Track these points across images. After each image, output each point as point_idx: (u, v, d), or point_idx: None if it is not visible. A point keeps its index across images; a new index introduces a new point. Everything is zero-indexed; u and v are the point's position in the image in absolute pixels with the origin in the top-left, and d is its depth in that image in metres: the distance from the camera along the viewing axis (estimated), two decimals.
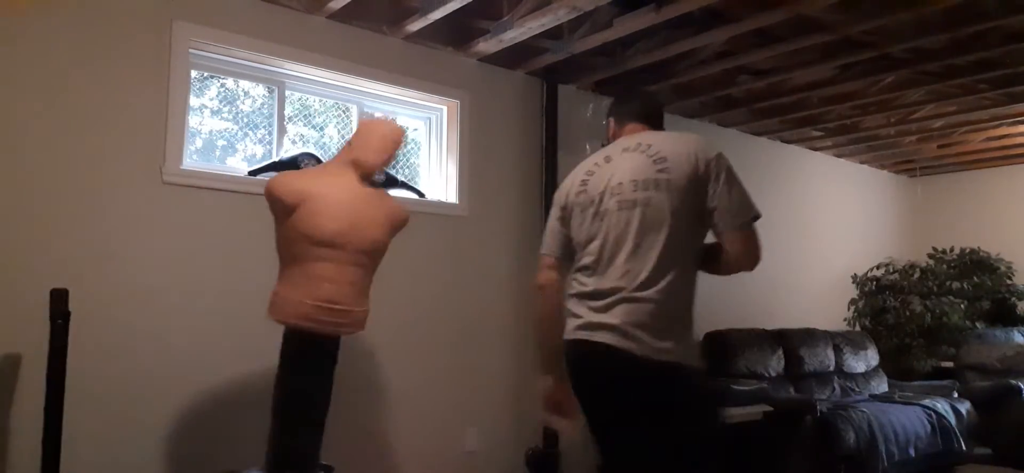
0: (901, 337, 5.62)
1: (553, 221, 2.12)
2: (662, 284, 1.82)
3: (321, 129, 3.77)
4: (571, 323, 1.97)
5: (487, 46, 3.78)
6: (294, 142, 3.62)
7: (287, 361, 2.54)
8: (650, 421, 1.81)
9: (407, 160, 4.05)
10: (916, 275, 5.93)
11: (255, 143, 3.52)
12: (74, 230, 2.81)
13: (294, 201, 2.45)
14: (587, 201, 1.99)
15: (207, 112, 3.41)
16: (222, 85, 3.46)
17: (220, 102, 3.47)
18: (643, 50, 3.85)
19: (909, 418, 4.28)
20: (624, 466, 1.89)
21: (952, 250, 6.28)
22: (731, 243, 1.86)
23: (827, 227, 6.09)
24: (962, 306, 5.71)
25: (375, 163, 2.60)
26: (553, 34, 3.65)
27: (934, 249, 6.34)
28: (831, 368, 5.09)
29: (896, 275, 5.91)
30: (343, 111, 3.80)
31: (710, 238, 1.93)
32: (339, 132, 3.78)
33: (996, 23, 3.49)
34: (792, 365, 4.86)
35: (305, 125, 3.70)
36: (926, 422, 4.34)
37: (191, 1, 3.12)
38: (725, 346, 4.59)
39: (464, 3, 3.23)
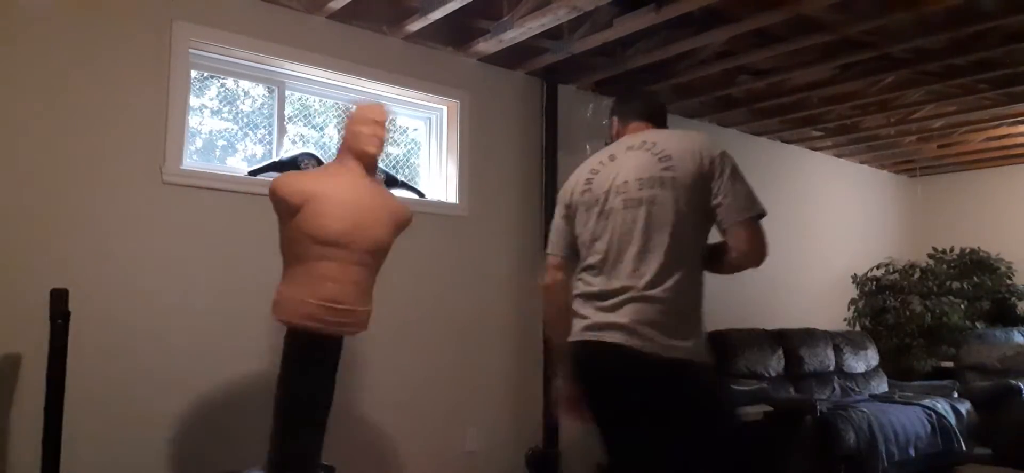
0: (901, 337, 5.62)
1: (558, 220, 2.11)
2: (670, 282, 1.82)
3: (321, 129, 3.76)
4: (578, 324, 1.96)
5: (487, 46, 3.78)
6: (294, 142, 3.62)
7: (290, 361, 2.54)
8: (662, 419, 1.81)
9: (407, 160, 4.05)
10: (916, 275, 5.93)
11: (255, 143, 3.52)
12: (74, 230, 2.81)
13: (298, 201, 2.45)
14: (592, 200, 1.98)
15: (207, 112, 3.41)
16: (222, 85, 3.46)
17: (220, 102, 3.47)
18: (643, 50, 3.85)
19: (909, 418, 4.28)
20: (634, 466, 1.87)
21: (952, 250, 6.28)
22: (736, 239, 1.85)
23: (827, 227, 6.09)
24: (962, 306, 5.71)
25: (374, 151, 2.59)
26: (553, 34, 3.65)
27: (934, 249, 6.34)
28: (831, 368, 5.09)
29: (896, 275, 5.91)
30: (343, 111, 3.78)
31: (714, 238, 1.93)
32: (339, 132, 3.76)
33: (996, 23, 3.49)
34: (792, 365, 4.86)
35: (305, 125, 3.70)
36: (926, 422, 4.34)
37: (191, 1, 3.12)
38: (725, 346, 4.59)
39: (464, 3, 3.23)
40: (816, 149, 6.06)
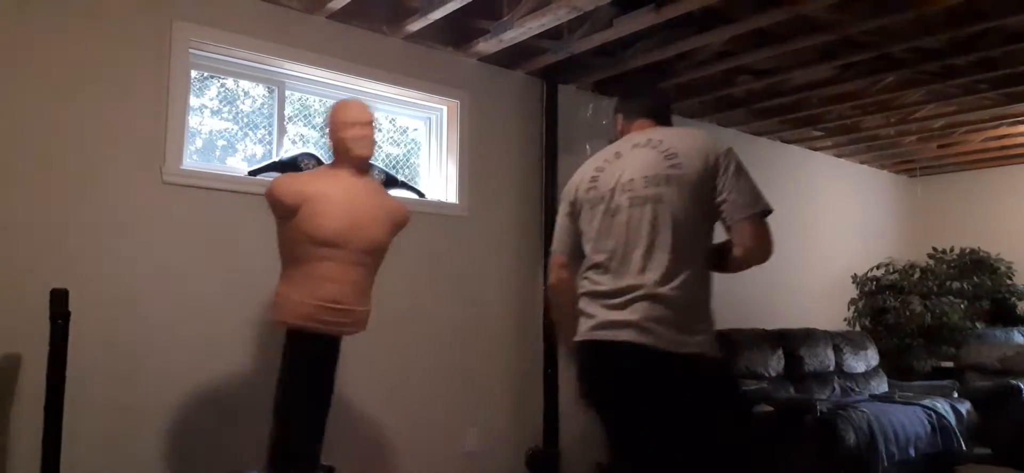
0: (901, 337, 5.61)
1: (562, 217, 2.10)
2: (679, 280, 1.81)
3: (321, 129, 3.76)
4: (585, 323, 1.94)
5: (487, 46, 3.78)
6: (294, 142, 3.62)
7: (289, 361, 2.54)
8: (673, 414, 1.80)
9: (407, 160, 4.05)
10: (916, 275, 5.93)
11: (255, 143, 3.52)
12: (74, 230, 2.81)
13: (295, 202, 2.46)
14: (597, 197, 1.97)
15: (207, 112, 3.41)
16: (222, 85, 3.46)
17: (220, 102, 3.47)
18: (643, 50, 3.85)
19: (909, 418, 4.28)
20: (642, 464, 1.86)
21: (952, 250, 6.28)
22: (740, 235, 1.84)
23: (827, 227, 6.09)
24: (962, 306, 5.71)
25: (367, 154, 2.59)
26: (553, 34, 3.65)
27: (934, 249, 6.34)
28: (831, 368, 5.09)
29: (896, 275, 5.90)
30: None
31: (718, 237, 1.92)
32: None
33: (996, 23, 3.49)
34: (792, 365, 4.85)
35: (305, 125, 3.70)
36: (926, 422, 4.34)
37: (191, 1, 3.12)
38: (725, 346, 4.58)
39: (464, 3, 3.23)
40: (816, 149, 6.06)
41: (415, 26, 3.54)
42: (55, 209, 2.78)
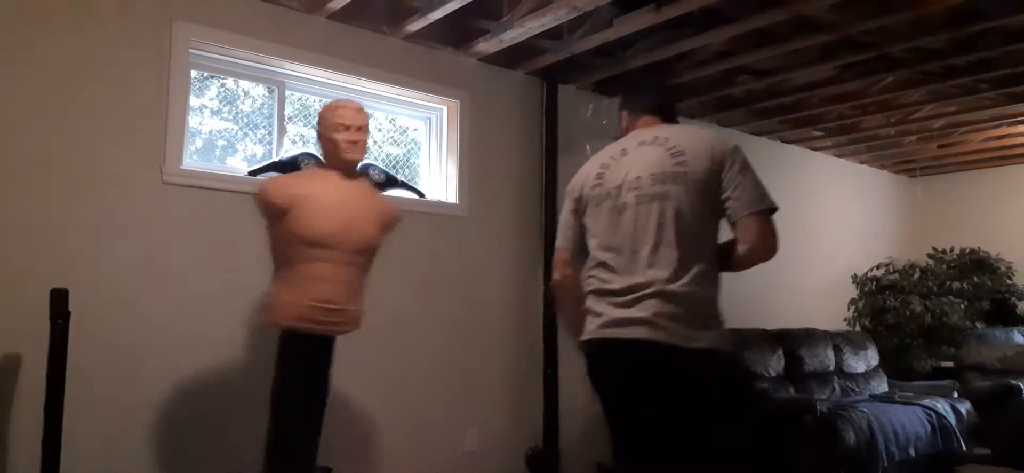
0: (901, 337, 5.61)
1: (567, 214, 2.10)
2: (688, 277, 1.81)
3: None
4: (593, 322, 1.93)
5: (487, 46, 3.78)
6: (294, 142, 3.62)
7: (283, 362, 2.54)
8: (687, 409, 1.79)
9: (407, 160, 4.05)
10: (916, 275, 5.92)
11: (255, 143, 3.52)
12: (74, 230, 2.81)
13: (286, 204, 2.46)
14: (603, 195, 1.96)
15: (207, 112, 3.41)
16: (222, 85, 3.46)
17: (220, 102, 3.47)
18: (643, 50, 3.85)
19: (909, 418, 4.28)
20: (655, 462, 1.85)
21: (952, 250, 6.28)
22: (745, 231, 1.83)
23: (827, 227, 6.09)
24: (962, 306, 5.71)
25: (356, 158, 2.60)
26: (553, 34, 3.65)
27: (934, 249, 6.34)
28: (831, 368, 5.09)
29: (896, 275, 5.90)
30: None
31: (723, 237, 1.91)
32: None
33: (996, 23, 3.49)
34: (792, 365, 4.85)
35: (305, 125, 3.70)
36: (926, 422, 4.34)
37: (191, 1, 3.12)
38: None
39: (464, 3, 3.23)
40: (816, 149, 6.06)
41: (415, 26, 3.54)
42: (55, 209, 2.78)
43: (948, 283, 5.87)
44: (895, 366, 5.53)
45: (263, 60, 3.37)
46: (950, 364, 5.57)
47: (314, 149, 3.57)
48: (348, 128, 2.56)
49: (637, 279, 1.84)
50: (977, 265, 6.10)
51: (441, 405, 3.77)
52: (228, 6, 3.22)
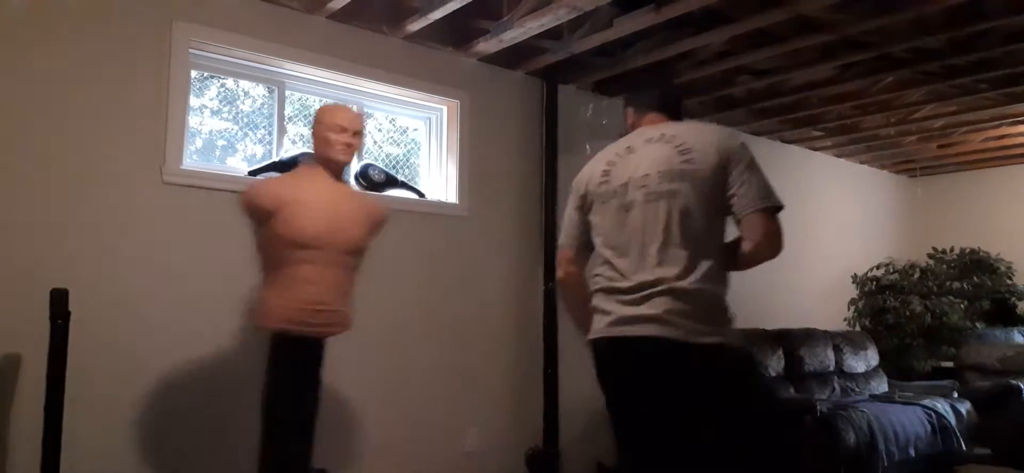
0: (901, 337, 5.61)
1: (571, 210, 2.08)
2: (697, 274, 1.80)
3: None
4: (601, 320, 1.92)
5: (487, 46, 3.78)
6: (294, 142, 3.62)
7: (274, 365, 2.54)
8: (700, 405, 1.78)
9: (407, 160, 4.05)
10: (916, 275, 5.93)
11: (255, 143, 3.52)
12: (74, 230, 2.81)
13: (272, 206, 2.47)
14: (609, 192, 1.95)
15: (207, 112, 3.41)
16: (222, 85, 3.46)
17: (220, 102, 3.47)
18: (643, 50, 3.85)
19: (909, 418, 4.28)
20: (666, 460, 1.83)
21: (952, 250, 6.28)
22: (750, 229, 1.83)
23: (827, 227, 6.09)
24: (962, 306, 5.71)
25: (345, 160, 2.60)
26: (553, 34, 3.65)
27: (934, 249, 6.34)
28: (831, 368, 5.09)
29: (896, 275, 5.90)
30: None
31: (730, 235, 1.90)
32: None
33: (996, 23, 3.49)
34: (792, 365, 4.85)
35: (305, 125, 3.70)
36: (926, 422, 4.34)
37: (191, 1, 3.12)
38: None
39: (464, 3, 3.23)
40: (816, 149, 6.06)
41: (415, 26, 3.54)
42: (55, 209, 2.78)
43: (948, 283, 5.87)
44: (895, 366, 5.53)
45: (263, 60, 3.36)
46: (950, 364, 5.57)
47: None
48: (345, 131, 2.56)
49: (646, 277, 1.83)
50: (977, 265, 6.10)
51: (441, 405, 3.77)
52: (228, 6, 3.22)
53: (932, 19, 3.50)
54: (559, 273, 2.12)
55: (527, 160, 4.23)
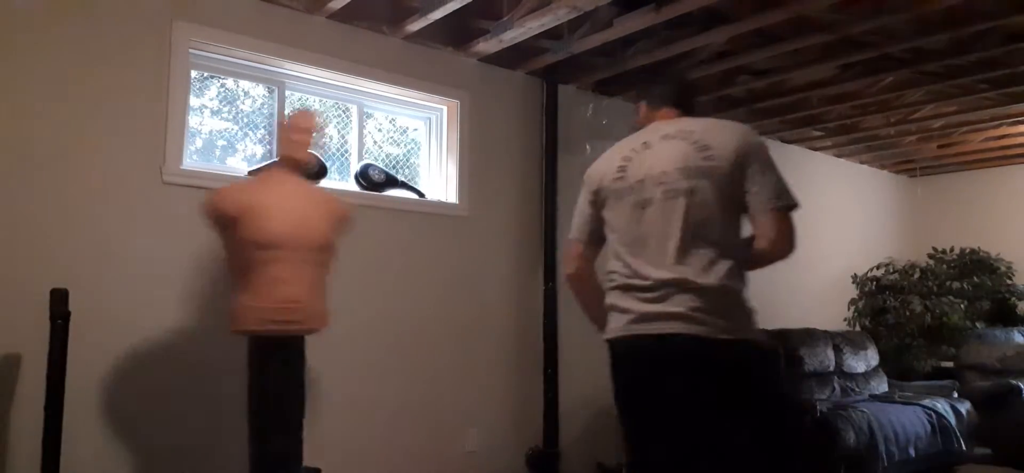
0: (901, 337, 5.61)
1: (583, 204, 2.06)
2: (717, 271, 1.79)
3: (321, 129, 3.76)
4: (619, 318, 1.90)
5: (487, 46, 3.78)
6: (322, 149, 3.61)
7: (256, 369, 2.54)
8: (725, 402, 1.76)
9: (407, 160, 4.05)
10: (916, 275, 5.93)
11: (255, 143, 3.52)
12: (74, 230, 2.81)
13: (236, 212, 2.48)
14: (625, 188, 1.93)
15: (207, 112, 3.41)
16: (222, 85, 3.46)
17: (220, 102, 3.47)
18: (643, 50, 3.85)
19: (909, 418, 4.28)
20: (690, 457, 1.81)
21: (952, 250, 6.28)
22: (762, 227, 1.82)
23: (827, 227, 6.09)
24: (962, 306, 5.71)
25: (302, 158, 2.65)
26: (553, 34, 3.65)
27: (934, 249, 6.34)
28: (831, 368, 5.08)
29: (896, 275, 5.90)
30: (343, 111, 3.80)
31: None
32: (339, 132, 3.78)
33: (996, 23, 3.49)
34: (792, 365, 4.85)
35: None
36: (926, 422, 4.34)
37: (191, 1, 3.12)
38: None
39: (464, 3, 3.23)
40: (816, 149, 6.06)
41: (415, 26, 3.54)
42: (55, 209, 2.78)
43: (948, 283, 5.88)
44: (895, 366, 5.53)
45: (263, 60, 3.36)
46: (950, 364, 5.57)
47: (314, 149, 3.57)
48: (307, 131, 2.65)
49: (667, 274, 1.81)
50: (977, 265, 6.10)
51: (441, 405, 3.77)
52: (228, 6, 3.22)
53: (932, 19, 3.50)
54: (569, 269, 2.10)
55: (527, 160, 4.23)
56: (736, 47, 3.86)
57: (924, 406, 4.47)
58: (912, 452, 4.16)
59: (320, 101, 3.73)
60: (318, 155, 3.48)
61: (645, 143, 1.97)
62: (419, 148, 4.08)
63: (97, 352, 2.80)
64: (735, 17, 3.43)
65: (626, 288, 1.90)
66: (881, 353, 5.47)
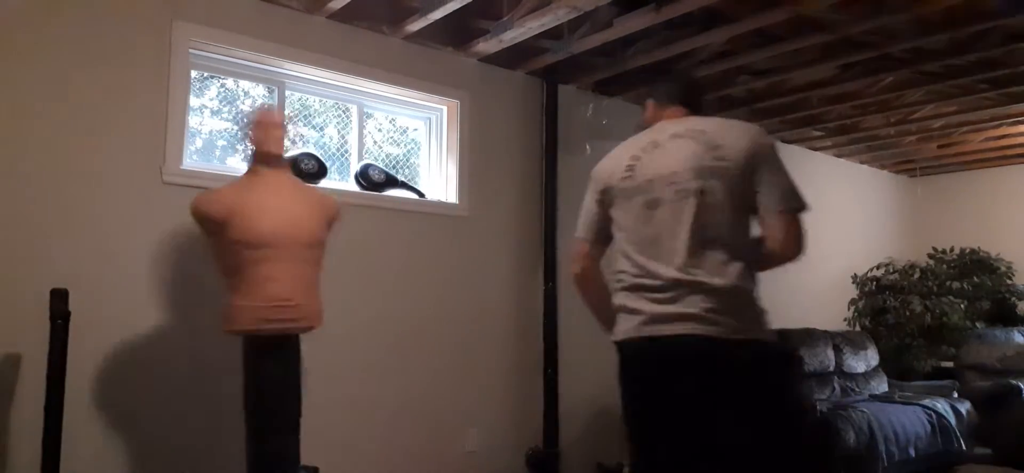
0: (901, 337, 5.61)
1: (590, 203, 2.04)
2: (729, 272, 1.78)
3: (321, 129, 3.76)
4: (630, 320, 1.88)
5: (487, 46, 3.78)
6: (294, 142, 3.62)
7: (251, 369, 2.54)
8: (740, 403, 1.75)
9: (407, 160, 4.05)
10: (916, 275, 5.93)
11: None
12: (74, 230, 2.81)
13: (222, 215, 2.48)
14: (635, 188, 1.91)
15: (207, 112, 3.41)
16: (222, 85, 3.46)
17: (220, 102, 3.47)
18: (643, 50, 3.85)
19: (909, 418, 4.28)
20: (704, 459, 1.79)
21: (952, 250, 6.28)
22: (772, 229, 1.81)
23: (827, 227, 6.09)
24: (962, 306, 5.71)
25: (277, 151, 2.63)
26: (553, 34, 3.65)
27: (934, 249, 6.34)
28: (831, 368, 5.09)
29: (896, 275, 5.90)
30: (343, 111, 3.80)
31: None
32: (339, 132, 3.78)
33: (996, 23, 3.49)
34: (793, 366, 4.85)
35: (305, 125, 3.70)
36: (926, 422, 4.34)
37: (191, 1, 3.12)
38: None
39: (464, 3, 3.23)
40: (816, 149, 6.06)
41: (415, 26, 3.54)
42: (55, 209, 2.78)
43: (948, 283, 5.88)
44: (895, 366, 5.53)
45: (263, 60, 3.36)
46: (950, 364, 5.57)
47: (314, 149, 3.58)
48: (276, 126, 2.63)
49: (679, 275, 1.80)
50: (977, 265, 6.10)
51: (441, 405, 3.77)
52: (228, 6, 3.22)
53: (932, 19, 3.50)
54: (575, 268, 2.07)
55: (527, 160, 4.23)
56: (736, 47, 3.86)
57: (924, 406, 4.47)
58: (912, 452, 4.16)
59: (320, 101, 3.73)
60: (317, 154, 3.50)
61: (654, 142, 1.95)
62: (419, 148, 4.08)
63: (97, 352, 2.80)
64: (735, 17, 3.43)
65: (636, 288, 1.88)
66: (881, 353, 5.48)
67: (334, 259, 3.12)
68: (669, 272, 1.81)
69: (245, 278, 2.48)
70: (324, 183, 3.44)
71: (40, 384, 2.45)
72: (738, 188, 1.81)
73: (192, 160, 3.24)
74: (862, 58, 3.95)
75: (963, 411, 4.67)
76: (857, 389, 5.09)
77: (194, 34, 3.12)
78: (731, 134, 1.86)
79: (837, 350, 5.17)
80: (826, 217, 6.10)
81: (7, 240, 2.68)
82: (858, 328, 5.86)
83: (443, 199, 3.95)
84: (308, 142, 3.68)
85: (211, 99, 3.43)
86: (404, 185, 3.81)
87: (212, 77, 3.40)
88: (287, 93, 3.54)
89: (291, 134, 3.60)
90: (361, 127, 3.80)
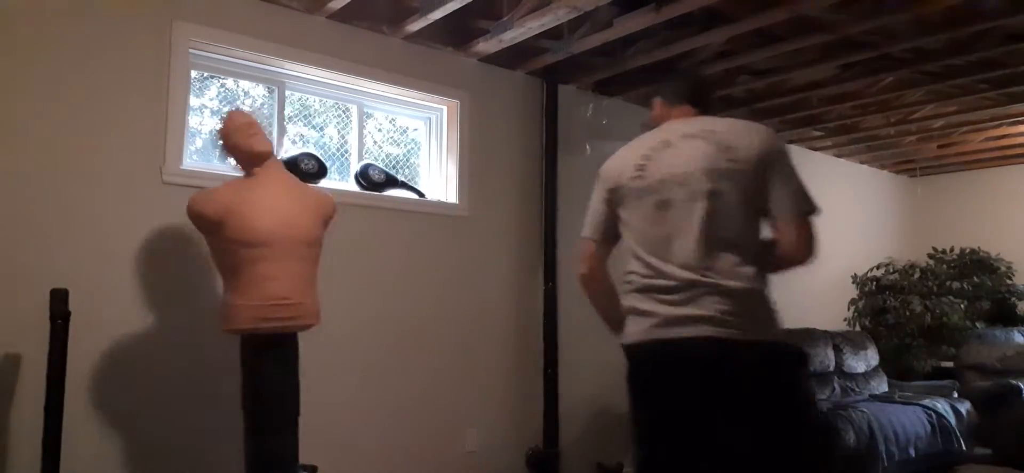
0: (901, 337, 5.61)
1: (598, 202, 2.01)
2: (741, 274, 1.77)
3: (321, 129, 3.76)
4: (641, 322, 1.85)
5: (487, 46, 3.78)
6: (294, 142, 3.62)
7: (249, 368, 2.54)
8: (751, 404, 1.74)
9: (407, 160, 4.05)
10: (916, 275, 5.93)
11: None
12: (74, 230, 2.81)
13: (218, 215, 2.48)
14: (645, 188, 1.88)
15: (207, 112, 3.41)
16: (222, 85, 3.46)
17: (220, 102, 3.47)
18: (643, 50, 3.85)
19: (909, 418, 4.28)
20: (716, 460, 1.77)
21: (952, 250, 6.28)
22: (784, 232, 1.80)
23: (827, 227, 5.99)
24: (962, 306, 5.71)
25: (266, 149, 2.61)
26: (553, 34, 3.65)
27: (934, 249, 6.34)
28: (831, 368, 5.09)
29: (896, 275, 5.91)
30: (343, 111, 3.80)
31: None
32: (339, 132, 3.78)
33: (996, 23, 3.49)
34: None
35: (305, 125, 3.70)
36: (926, 422, 4.34)
37: (191, 1, 3.12)
38: None
39: (464, 3, 3.23)
40: (816, 149, 6.06)
41: (415, 26, 3.54)
42: (55, 209, 2.78)
43: (948, 283, 5.88)
44: (895, 366, 5.53)
45: (263, 60, 3.36)
46: (950, 364, 5.57)
47: (314, 149, 3.58)
48: (253, 125, 2.60)
49: (691, 276, 1.78)
50: (977, 265, 6.10)
51: (441, 405, 3.77)
52: (228, 6, 3.22)
53: (932, 19, 3.50)
54: (582, 269, 2.05)
55: (527, 160, 4.23)
56: (736, 47, 3.86)
57: (924, 406, 4.47)
58: (912, 452, 4.16)
59: (320, 101, 3.73)
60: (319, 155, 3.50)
61: (665, 141, 1.92)
62: (419, 148, 4.08)
63: (97, 352, 2.80)
64: (735, 17, 3.43)
65: (646, 290, 1.85)
66: (881, 353, 5.48)
67: (334, 259, 3.13)
68: (683, 272, 1.80)
69: (242, 277, 2.48)
70: (324, 183, 3.44)
71: (40, 384, 2.45)
72: (750, 190, 1.80)
73: (192, 160, 3.24)
74: (862, 58, 3.95)
75: (963, 411, 4.67)
76: (857, 389, 5.10)
77: (194, 34, 3.12)
78: (744, 136, 1.85)
79: (837, 350, 5.17)
80: (826, 217, 6.02)
81: (7, 240, 2.68)
82: (858, 328, 5.86)
83: (443, 199, 3.95)
84: (308, 142, 3.68)
85: (211, 99, 3.43)
86: (404, 185, 3.81)
87: (212, 77, 3.40)
88: (287, 93, 3.54)
89: (290, 133, 3.60)
90: (361, 127, 3.80)
